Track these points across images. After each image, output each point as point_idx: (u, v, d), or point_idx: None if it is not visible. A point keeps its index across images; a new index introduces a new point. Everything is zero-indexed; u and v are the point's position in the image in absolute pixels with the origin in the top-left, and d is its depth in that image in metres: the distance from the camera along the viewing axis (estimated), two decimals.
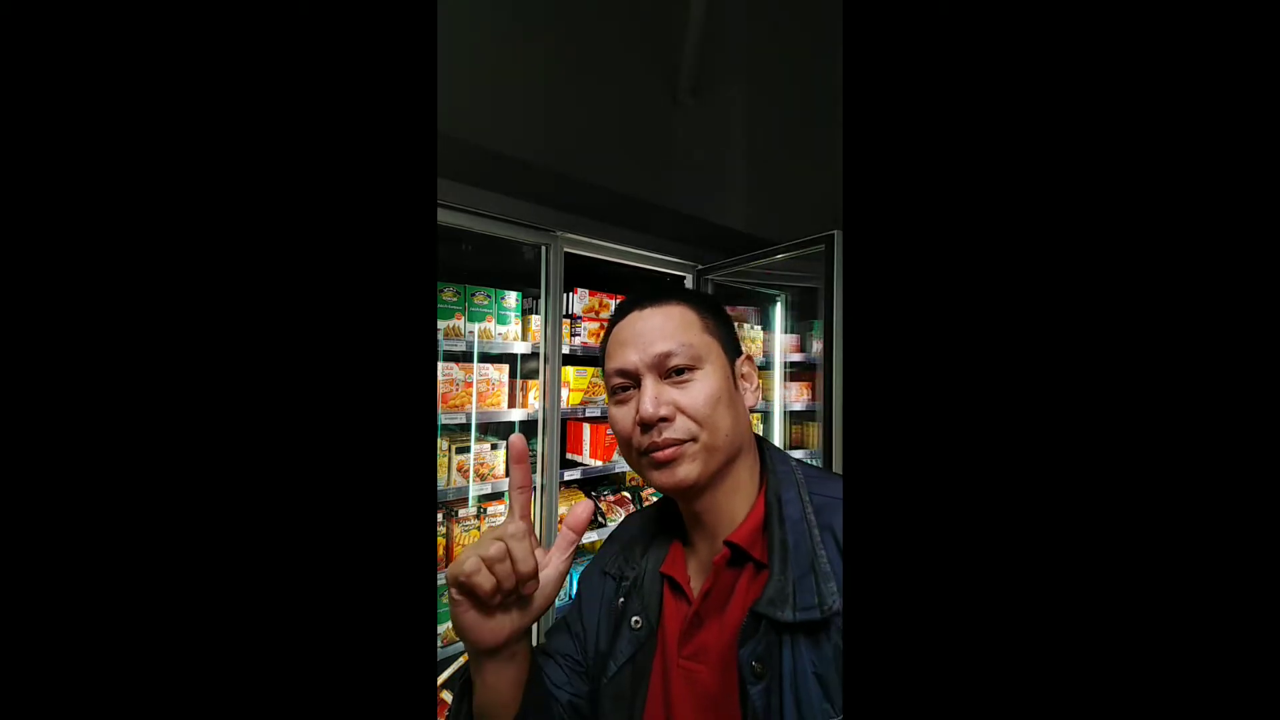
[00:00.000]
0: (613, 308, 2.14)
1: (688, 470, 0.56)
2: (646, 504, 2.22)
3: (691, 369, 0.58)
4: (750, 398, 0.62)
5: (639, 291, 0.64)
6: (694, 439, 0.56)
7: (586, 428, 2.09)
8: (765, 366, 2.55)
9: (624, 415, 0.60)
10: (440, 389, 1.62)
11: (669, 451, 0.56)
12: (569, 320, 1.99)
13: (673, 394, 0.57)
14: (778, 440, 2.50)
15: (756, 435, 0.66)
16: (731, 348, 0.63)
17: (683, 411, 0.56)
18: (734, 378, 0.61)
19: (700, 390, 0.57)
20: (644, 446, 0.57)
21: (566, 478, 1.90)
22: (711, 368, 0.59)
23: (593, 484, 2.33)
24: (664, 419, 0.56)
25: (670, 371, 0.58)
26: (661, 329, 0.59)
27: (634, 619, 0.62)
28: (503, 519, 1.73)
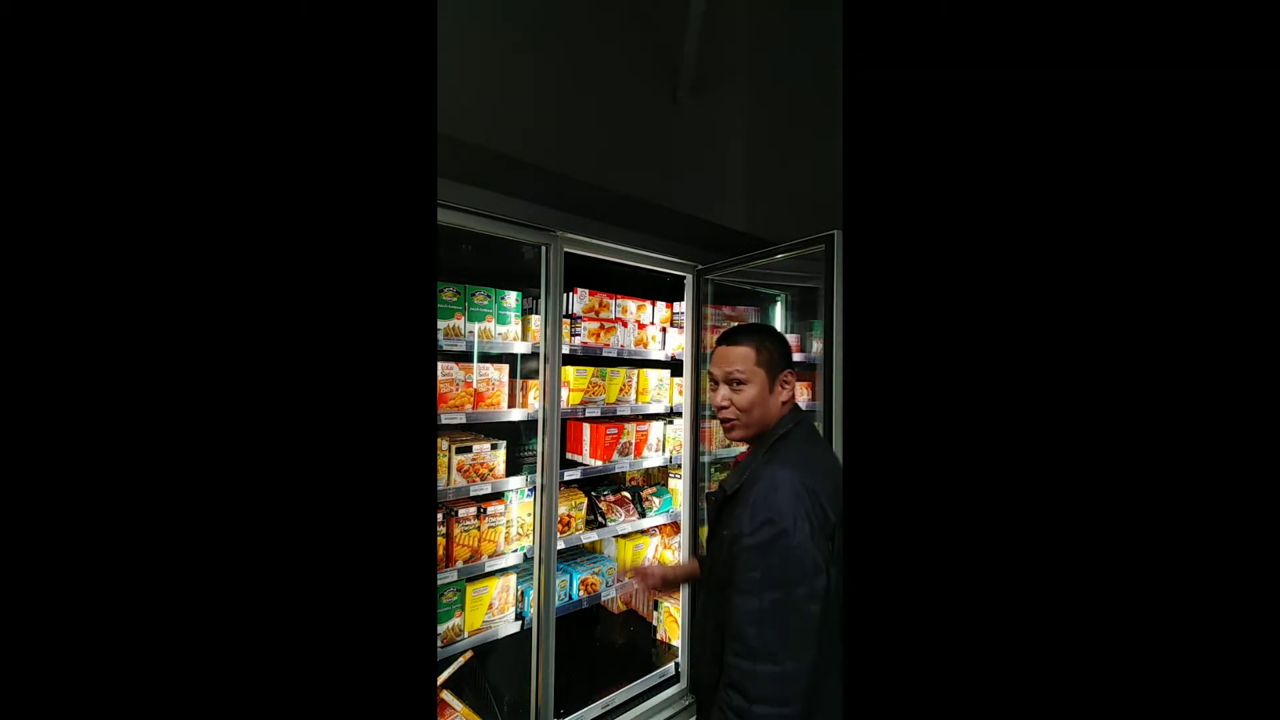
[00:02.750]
0: (612, 307, 2.15)
1: (737, 433, 1.08)
2: (646, 503, 2.23)
3: (744, 382, 1.05)
4: (785, 395, 1.08)
5: (732, 330, 1.11)
6: (739, 416, 1.06)
7: (586, 428, 2.08)
8: None
9: (714, 398, 1.10)
10: (440, 389, 1.62)
11: (726, 421, 1.08)
12: (569, 320, 1.99)
13: (731, 394, 1.07)
14: None
15: (797, 416, 1.09)
16: (775, 368, 1.07)
17: (735, 403, 1.06)
18: (773, 385, 1.07)
19: (744, 395, 1.05)
20: (720, 418, 1.10)
21: (566, 478, 1.90)
22: (755, 383, 1.05)
23: (593, 484, 2.33)
24: (724, 406, 1.07)
25: (737, 381, 1.06)
26: (731, 357, 1.07)
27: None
28: (503, 519, 1.74)
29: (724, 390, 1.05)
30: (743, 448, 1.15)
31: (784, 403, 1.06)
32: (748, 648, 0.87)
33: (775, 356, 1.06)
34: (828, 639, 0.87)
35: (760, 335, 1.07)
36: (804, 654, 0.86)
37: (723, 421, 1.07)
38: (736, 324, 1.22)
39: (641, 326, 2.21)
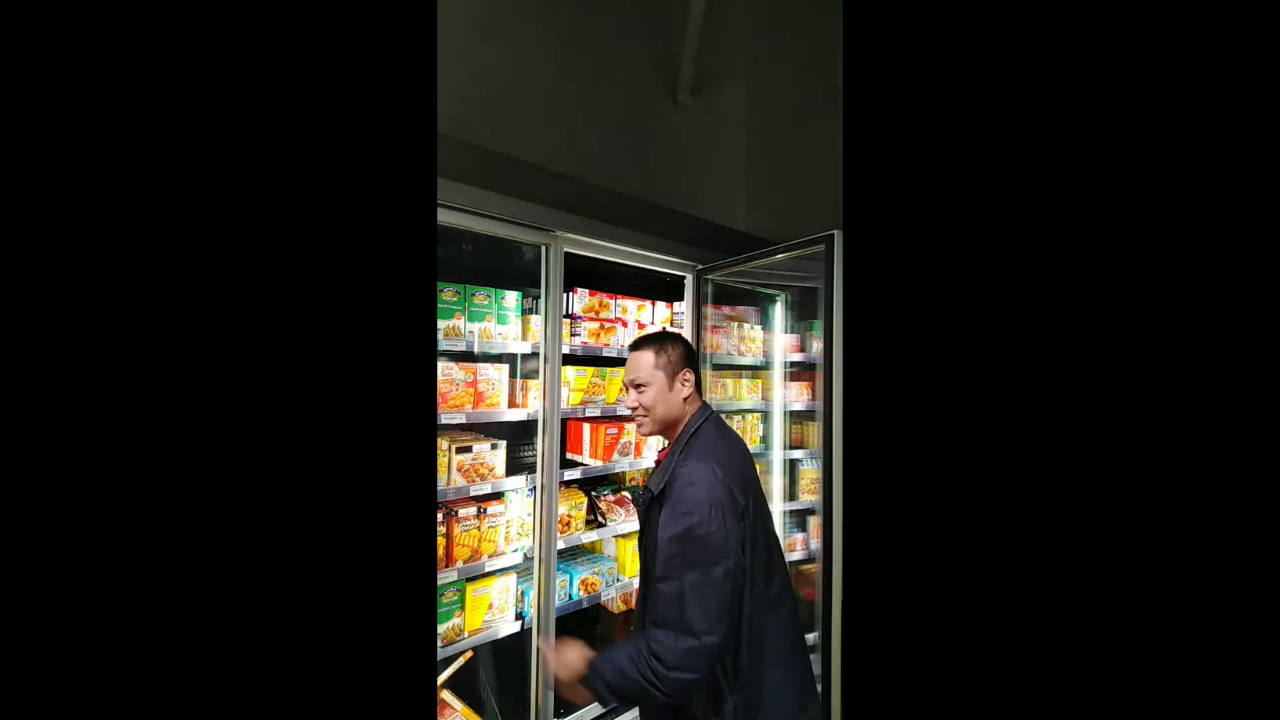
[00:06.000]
0: (612, 307, 2.15)
1: (646, 428, 1.25)
2: None
3: (645, 385, 1.22)
4: (685, 391, 1.22)
5: (639, 339, 1.29)
6: (646, 414, 1.23)
7: (586, 428, 2.08)
8: (765, 366, 2.55)
9: (626, 401, 1.28)
10: (440, 389, 1.62)
11: (637, 419, 1.25)
12: (569, 320, 1.98)
13: (638, 396, 1.23)
14: (778, 439, 2.51)
15: (705, 412, 1.25)
16: (674, 369, 1.22)
17: (641, 404, 1.23)
18: (671, 384, 1.22)
19: (647, 395, 1.22)
20: (632, 415, 1.26)
21: (566, 477, 1.90)
22: (655, 385, 1.21)
23: (592, 484, 2.33)
24: (634, 408, 1.24)
25: (639, 385, 1.23)
26: (635, 364, 1.24)
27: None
28: (503, 519, 1.74)
29: (632, 393, 1.23)
30: (660, 443, 1.39)
31: (685, 399, 1.22)
32: (670, 625, 0.98)
33: (674, 358, 1.22)
34: (751, 614, 1.06)
35: (661, 340, 1.25)
36: (719, 628, 0.99)
37: (635, 420, 1.26)
38: (668, 329, 1.54)
39: (641, 326, 2.21)
